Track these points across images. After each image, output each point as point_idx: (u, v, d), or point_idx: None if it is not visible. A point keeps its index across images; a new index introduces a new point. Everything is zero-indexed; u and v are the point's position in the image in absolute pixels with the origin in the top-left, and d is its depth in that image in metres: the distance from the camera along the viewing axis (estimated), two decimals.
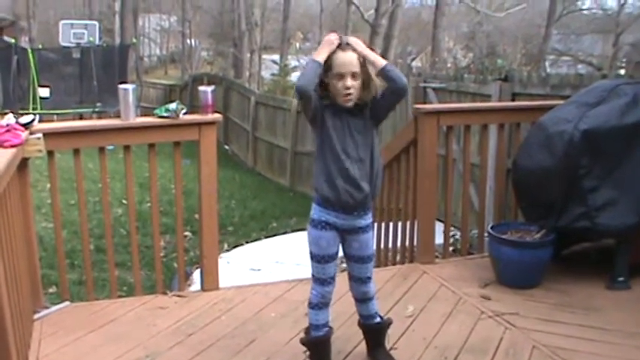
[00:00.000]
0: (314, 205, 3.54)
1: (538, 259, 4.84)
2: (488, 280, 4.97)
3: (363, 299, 3.73)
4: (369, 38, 22.09)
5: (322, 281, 3.55)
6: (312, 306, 3.61)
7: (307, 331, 3.70)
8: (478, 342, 4.00)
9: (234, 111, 20.35)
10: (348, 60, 3.36)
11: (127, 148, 4.74)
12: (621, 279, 4.79)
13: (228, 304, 4.66)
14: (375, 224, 6.42)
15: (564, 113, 4.85)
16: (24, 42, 26.45)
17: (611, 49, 24.69)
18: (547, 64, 23.53)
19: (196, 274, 6.57)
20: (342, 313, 4.21)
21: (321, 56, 3.36)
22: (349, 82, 3.34)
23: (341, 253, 3.60)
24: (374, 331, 3.80)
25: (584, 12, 30.41)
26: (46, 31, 36.33)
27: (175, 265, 6.78)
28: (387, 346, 3.81)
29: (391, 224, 6.09)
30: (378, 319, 3.78)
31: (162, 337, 4.15)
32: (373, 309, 3.76)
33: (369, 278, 3.68)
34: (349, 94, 3.36)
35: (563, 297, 4.66)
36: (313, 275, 3.59)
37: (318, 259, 3.53)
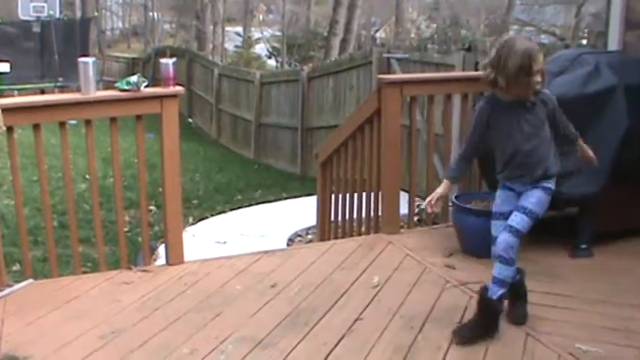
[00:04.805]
0: None
1: None
2: (452, 250, 5.00)
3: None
4: (332, 9, 22.04)
5: None
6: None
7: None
8: (444, 311, 4.03)
9: (198, 83, 20.22)
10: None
11: (88, 122, 4.66)
12: (584, 246, 4.85)
13: (194, 278, 4.63)
14: (340, 195, 6.45)
15: None
16: None
17: (573, 19, 24.88)
18: (511, 34, 23.66)
19: (161, 249, 6.54)
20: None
21: None
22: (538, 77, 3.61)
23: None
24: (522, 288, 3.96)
25: None
26: (4, 5, 35.67)
27: (140, 239, 6.72)
28: (354, 316, 3.81)
29: (356, 195, 6.09)
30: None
31: (127, 313, 4.11)
32: None
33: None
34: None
35: (528, 265, 4.67)
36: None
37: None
